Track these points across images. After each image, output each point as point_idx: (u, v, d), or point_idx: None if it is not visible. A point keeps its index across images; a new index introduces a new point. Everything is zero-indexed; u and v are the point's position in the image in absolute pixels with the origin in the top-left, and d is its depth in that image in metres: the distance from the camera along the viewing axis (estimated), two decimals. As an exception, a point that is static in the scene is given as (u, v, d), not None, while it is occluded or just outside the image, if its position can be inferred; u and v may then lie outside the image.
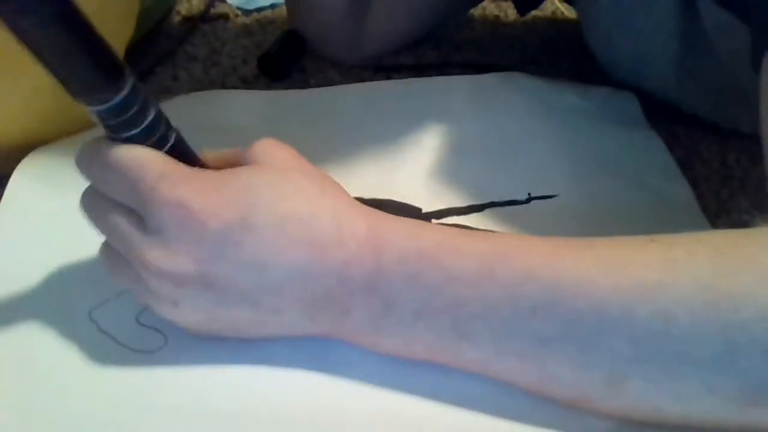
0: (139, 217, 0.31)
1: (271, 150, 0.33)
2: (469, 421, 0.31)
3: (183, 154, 0.32)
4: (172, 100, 0.53)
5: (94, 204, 0.33)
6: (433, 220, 0.43)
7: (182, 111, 0.50)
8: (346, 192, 0.33)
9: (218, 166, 0.33)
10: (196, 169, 0.32)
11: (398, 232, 0.31)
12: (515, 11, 0.67)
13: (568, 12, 0.70)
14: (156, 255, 0.30)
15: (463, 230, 0.32)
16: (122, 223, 0.31)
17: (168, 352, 0.34)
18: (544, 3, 0.68)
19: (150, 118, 0.30)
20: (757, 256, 0.27)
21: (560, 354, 0.29)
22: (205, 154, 0.34)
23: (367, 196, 0.44)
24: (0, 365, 0.33)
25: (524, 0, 0.66)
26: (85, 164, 0.32)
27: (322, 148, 0.47)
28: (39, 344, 0.34)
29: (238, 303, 0.31)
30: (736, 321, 0.26)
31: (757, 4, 0.36)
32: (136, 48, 0.57)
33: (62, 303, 0.36)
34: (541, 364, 0.29)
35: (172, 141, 0.32)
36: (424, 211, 0.44)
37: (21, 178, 0.44)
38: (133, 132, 0.30)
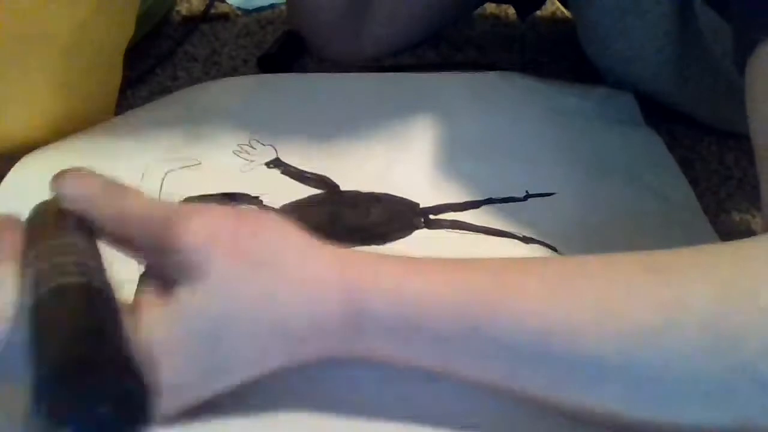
0: None
1: (206, 255, 0.27)
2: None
3: None
4: (171, 95, 0.53)
5: None
6: (431, 216, 0.43)
7: (180, 104, 0.51)
8: (316, 248, 0.30)
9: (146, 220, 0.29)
10: None
11: (378, 300, 0.29)
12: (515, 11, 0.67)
13: (569, 12, 0.70)
14: None
15: (447, 269, 0.30)
16: None
17: None
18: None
19: None
20: (759, 290, 0.27)
21: (557, 396, 0.29)
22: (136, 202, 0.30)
23: (364, 189, 0.44)
24: None
25: (524, 4, 0.66)
26: None
27: (321, 141, 0.47)
28: None
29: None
30: (737, 361, 0.26)
31: (738, 3, 0.35)
32: (136, 48, 0.58)
33: None
34: (540, 400, 0.29)
35: None
36: (421, 206, 0.43)
37: (16, 178, 0.43)
38: None
